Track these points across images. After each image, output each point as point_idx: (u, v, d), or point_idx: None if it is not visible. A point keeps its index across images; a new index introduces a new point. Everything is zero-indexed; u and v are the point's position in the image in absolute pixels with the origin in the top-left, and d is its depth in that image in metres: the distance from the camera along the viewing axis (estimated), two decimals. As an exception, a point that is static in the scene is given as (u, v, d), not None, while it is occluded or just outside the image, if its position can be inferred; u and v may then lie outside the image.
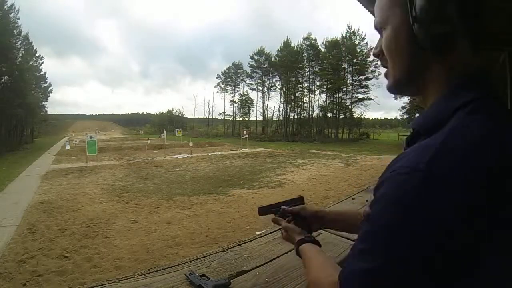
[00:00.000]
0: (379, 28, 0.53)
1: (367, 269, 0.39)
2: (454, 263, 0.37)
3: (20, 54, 29.85)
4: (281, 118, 43.10)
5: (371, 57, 35.58)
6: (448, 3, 0.43)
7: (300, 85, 41.76)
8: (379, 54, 0.54)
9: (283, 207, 0.81)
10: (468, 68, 0.46)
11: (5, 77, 26.08)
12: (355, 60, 37.31)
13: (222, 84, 47.71)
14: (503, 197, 0.38)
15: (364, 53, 36.87)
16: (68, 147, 20.84)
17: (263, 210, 0.86)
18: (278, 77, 43.41)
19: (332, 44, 38.11)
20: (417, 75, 0.49)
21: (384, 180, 0.42)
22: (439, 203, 0.36)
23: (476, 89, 0.44)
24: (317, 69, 40.32)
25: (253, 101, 45.83)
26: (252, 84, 45.46)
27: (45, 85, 40.54)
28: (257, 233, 1.34)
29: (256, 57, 44.30)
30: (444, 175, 0.37)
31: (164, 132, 22.96)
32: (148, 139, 25.88)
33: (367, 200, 1.83)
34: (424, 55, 0.47)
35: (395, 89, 0.54)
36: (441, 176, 0.37)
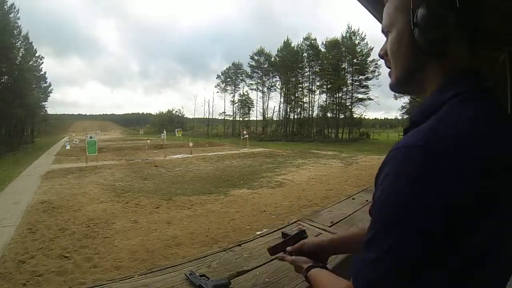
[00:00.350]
0: (385, 31, 0.58)
1: (373, 259, 0.41)
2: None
3: (20, 54, 29.84)
4: (281, 118, 43.12)
5: (371, 57, 35.58)
6: (447, 12, 0.47)
7: (300, 85, 41.74)
8: (384, 56, 0.59)
9: (287, 248, 0.80)
10: (463, 69, 0.50)
11: (5, 77, 26.08)
12: (355, 60, 37.33)
13: (222, 84, 47.74)
14: (498, 196, 0.39)
15: (364, 53, 36.91)
16: (68, 147, 20.84)
17: (273, 251, 0.85)
18: (278, 77, 43.43)
19: (332, 44, 38.10)
20: (416, 75, 0.53)
21: (387, 160, 0.44)
22: (433, 196, 0.38)
23: (470, 85, 0.47)
24: (317, 69, 40.30)
25: (253, 101, 45.81)
26: (252, 84, 45.51)
27: (45, 85, 40.54)
28: (257, 233, 1.34)
29: (256, 57, 44.32)
30: (438, 163, 0.39)
31: (164, 132, 22.91)
32: (148, 139, 25.86)
33: (367, 200, 1.82)
34: (423, 57, 0.51)
35: (396, 87, 0.58)
36: (434, 165, 0.39)
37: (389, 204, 0.41)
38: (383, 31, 0.59)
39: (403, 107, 35.78)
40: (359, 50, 37.18)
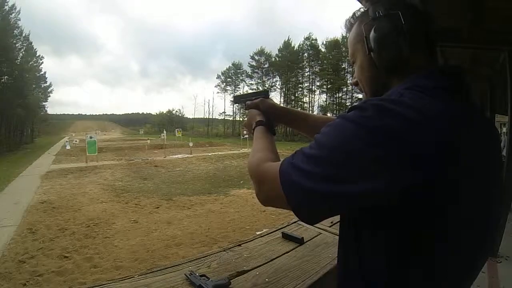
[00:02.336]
0: (351, 62, 0.63)
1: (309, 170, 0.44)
2: None
3: (21, 55, 29.89)
4: (281, 118, 43.12)
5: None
6: (394, 31, 0.51)
7: (300, 85, 41.78)
8: (356, 83, 0.63)
9: (247, 102, 0.89)
10: (424, 70, 0.51)
11: (5, 77, 26.09)
12: (355, 60, 37.35)
13: (222, 84, 47.85)
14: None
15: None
16: (68, 147, 20.86)
17: (236, 100, 0.96)
18: (278, 77, 43.44)
19: (333, 44, 38.13)
20: (384, 92, 0.55)
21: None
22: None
23: (422, 82, 0.49)
24: (317, 69, 40.32)
25: (253, 101, 45.93)
26: (252, 84, 45.57)
27: (45, 85, 40.58)
28: (257, 233, 1.34)
29: (256, 57, 44.37)
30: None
31: (164, 132, 22.95)
32: (148, 139, 25.91)
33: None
34: (386, 76, 0.55)
35: None
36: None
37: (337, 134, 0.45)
38: (351, 62, 0.64)
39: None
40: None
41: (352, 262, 0.52)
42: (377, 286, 0.48)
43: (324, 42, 39.69)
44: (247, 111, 0.87)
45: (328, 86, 38.83)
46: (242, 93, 0.98)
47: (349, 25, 0.62)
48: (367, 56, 0.55)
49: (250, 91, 0.92)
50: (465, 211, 0.44)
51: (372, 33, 0.53)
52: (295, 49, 41.37)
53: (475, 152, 0.44)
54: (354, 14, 0.61)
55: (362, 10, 0.59)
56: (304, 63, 41.22)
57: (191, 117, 62.22)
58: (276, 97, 47.61)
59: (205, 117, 53.96)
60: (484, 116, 0.52)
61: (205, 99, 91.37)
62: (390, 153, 0.39)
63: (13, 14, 26.80)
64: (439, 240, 0.43)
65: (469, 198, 0.43)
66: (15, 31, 27.57)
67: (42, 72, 38.69)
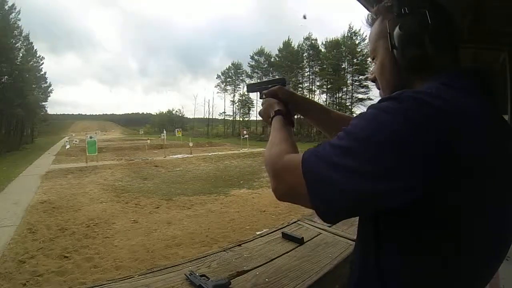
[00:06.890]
0: (371, 58, 0.62)
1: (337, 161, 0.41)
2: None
3: (21, 55, 29.88)
4: (281, 118, 43.16)
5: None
6: (420, 30, 0.50)
7: (300, 85, 41.76)
8: (374, 79, 0.63)
9: (264, 92, 0.85)
10: (448, 70, 0.51)
11: (5, 77, 26.09)
12: (355, 60, 37.36)
13: (222, 84, 47.85)
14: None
15: (364, 53, 36.98)
16: (68, 147, 20.85)
17: (251, 88, 0.91)
18: (278, 77, 43.50)
19: (333, 44, 38.13)
20: None
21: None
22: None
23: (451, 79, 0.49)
24: (317, 69, 40.32)
25: (253, 101, 45.78)
26: (252, 84, 45.59)
27: (45, 85, 40.58)
28: (257, 233, 1.34)
29: (256, 57, 44.37)
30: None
31: (164, 132, 22.97)
32: (148, 139, 25.89)
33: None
34: (407, 75, 0.54)
35: None
36: None
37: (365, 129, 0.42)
38: (371, 57, 0.63)
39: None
40: (359, 50, 37.26)
41: (370, 263, 0.51)
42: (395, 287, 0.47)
43: (324, 42, 39.79)
44: (262, 99, 0.83)
45: (328, 86, 38.83)
46: (256, 81, 0.95)
47: (371, 20, 0.60)
48: (390, 53, 0.54)
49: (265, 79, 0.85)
50: (488, 211, 0.43)
51: (396, 30, 0.51)
52: (295, 49, 41.42)
53: (500, 153, 0.44)
54: (377, 9, 0.59)
55: (386, 5, 0.57)
56: (304, 63, 41.29)
57: (191, 117, 62.24)
58: (276, 97, 47.55)
59: (205, 117, 54.00)
60: (504, 118, 0.52)
61: (205, 99, 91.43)
62: (436, 147, 0.38)
63: (13, 14, 26.87)
64: (461, 241, 0.43)
65: (492, 198, 0.43)
66: (15, 31, 27.59)
67: (42, 72, 38.76)
